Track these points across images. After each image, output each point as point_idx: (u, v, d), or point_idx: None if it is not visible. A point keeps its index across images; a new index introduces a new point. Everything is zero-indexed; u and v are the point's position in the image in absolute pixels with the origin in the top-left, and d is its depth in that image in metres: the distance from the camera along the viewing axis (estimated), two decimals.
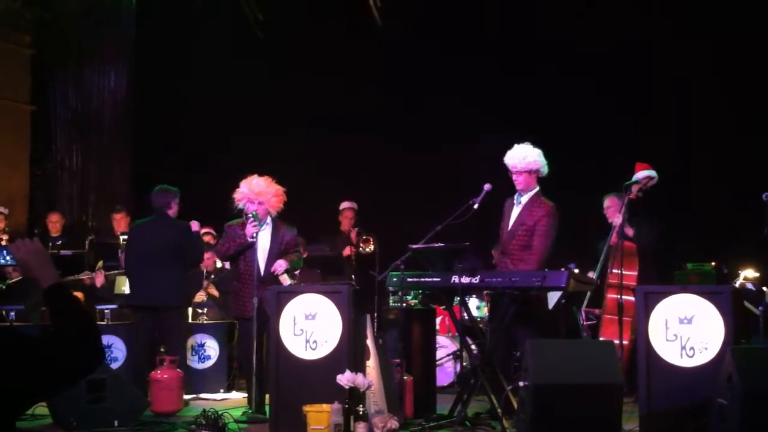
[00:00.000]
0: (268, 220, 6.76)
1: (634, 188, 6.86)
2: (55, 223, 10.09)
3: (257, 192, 6.64)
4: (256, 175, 6.74)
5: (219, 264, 9.03)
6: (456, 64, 10.11)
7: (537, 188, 6.39)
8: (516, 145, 6.39)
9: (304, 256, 7.40)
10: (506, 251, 6.37)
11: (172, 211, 7.22)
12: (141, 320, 7.14)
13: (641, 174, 6.87)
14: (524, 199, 6.38)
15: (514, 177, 6.34)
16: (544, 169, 6.36)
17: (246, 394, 7.06)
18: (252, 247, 6.59)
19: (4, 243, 8.69)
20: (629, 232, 6.80)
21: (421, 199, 9.58)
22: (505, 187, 6.48)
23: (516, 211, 6.40)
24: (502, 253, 6.51)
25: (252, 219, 6.55)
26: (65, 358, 2.40)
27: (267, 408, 6.31)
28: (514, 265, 6.26)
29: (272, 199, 6.69)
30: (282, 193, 6.75)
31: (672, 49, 9.19)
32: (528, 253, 6.28)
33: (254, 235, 6.54)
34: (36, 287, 2.57)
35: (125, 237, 9.12)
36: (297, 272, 7.09)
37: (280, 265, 6.66)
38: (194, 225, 7.35)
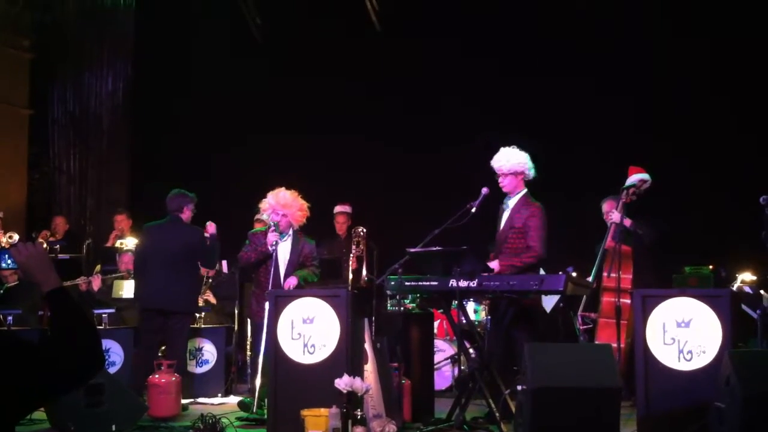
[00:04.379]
0: (290, 232, 6.99)
1: (629, 192, 6.87)
2: (58, 226, 10.17)
3: (283, 204, 6.88)
4: (283, 188, 6.95)
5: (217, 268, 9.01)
6: (456, 64, 10.11)
7: (524, 191, 6.40)
8: (502, 148, 6.41)
9: None
10: (499, 255, 6.37)
11: (186, 216, 7.22)
12: (148, 323, 7.13)
13: (635, 177, 6.88)
14: (512, 202, 6.40)
15: (499, 179, 6.37)
16: (531, 172, 6.37)
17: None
18: (271, 255, 6.80)
19: None
20: (627, 223, 6.80)
21: (420, 202, 9.57)
22: (502, 190, 6.49)
23: (505, 215, 6.42)
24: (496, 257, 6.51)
25: (273, 228, 6.82)
26: (65, 363, 2.40)
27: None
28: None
29: (296, 213, 6.94)
30: (306, 208, 6.99)
31: (672, 49, 9.20)
32: (525, 255, 6.29)
33: (274, 243, 6.79)
34: (34, 291, 2.58)
35: (123, 241, 9.14)
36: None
37: (292, 282, 6.84)
38: (211, 227, 7.27)
